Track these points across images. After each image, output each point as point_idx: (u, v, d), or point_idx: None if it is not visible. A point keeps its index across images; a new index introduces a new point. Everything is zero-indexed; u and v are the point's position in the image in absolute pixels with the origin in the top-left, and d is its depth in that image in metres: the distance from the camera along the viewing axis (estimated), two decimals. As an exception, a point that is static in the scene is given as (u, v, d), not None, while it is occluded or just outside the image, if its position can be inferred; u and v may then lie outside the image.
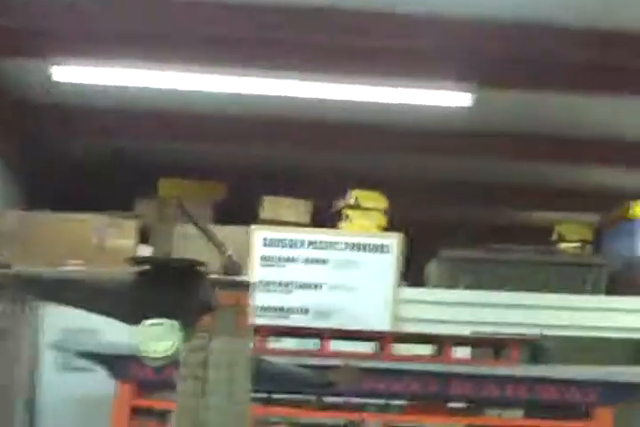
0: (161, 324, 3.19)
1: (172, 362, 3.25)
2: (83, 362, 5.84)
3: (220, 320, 3.24)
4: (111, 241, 7.13)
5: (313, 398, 5.58)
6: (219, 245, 3.37)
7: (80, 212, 7.27)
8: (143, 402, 5.40)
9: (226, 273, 3.35)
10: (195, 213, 7.32)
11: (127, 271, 3.32)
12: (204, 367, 3.21)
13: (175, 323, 3.21)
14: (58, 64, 6.32)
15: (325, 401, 5.62)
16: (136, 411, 5.42)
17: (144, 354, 3.20)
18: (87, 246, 6.98)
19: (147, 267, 3.29)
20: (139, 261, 3.31)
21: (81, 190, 8.14)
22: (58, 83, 6.58)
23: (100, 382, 5.70)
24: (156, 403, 5.31)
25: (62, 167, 8.39)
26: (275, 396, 5.55)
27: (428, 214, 9.14)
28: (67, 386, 6.57)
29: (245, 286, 3.34)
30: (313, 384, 3.90)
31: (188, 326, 3.24)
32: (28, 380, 6.69)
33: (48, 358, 6.62)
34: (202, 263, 3.27)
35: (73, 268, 4.25)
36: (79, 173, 8.42)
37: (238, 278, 3.35)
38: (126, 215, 7.35)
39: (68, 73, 6.43)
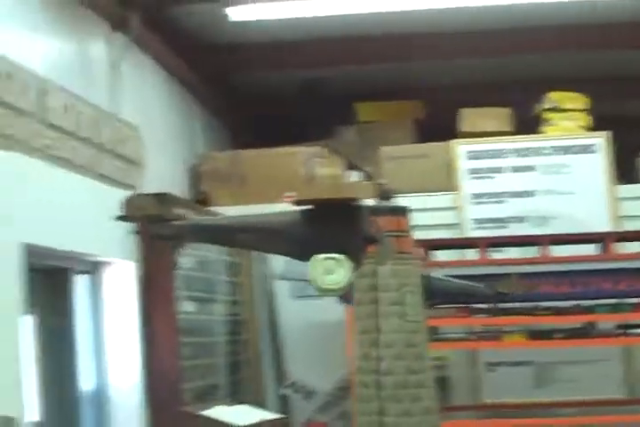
0: (331, 258, 3.36)
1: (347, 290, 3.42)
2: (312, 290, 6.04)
3: (382, 247, 3.38)
4: (320, 171, 7.27)
5: (544, 304, 5.64)
6: (369, 174, 3.47)
7: (285, 146, 7.44)
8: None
9: (381, 200, 3.48)
10: (396, 133, 7.54)
11: (293, 212, 3.48)
12: (376, 291, 3.36)
13: (343, 256, 3.37)
14: (231, 5, 6.42)
15: (557, 307, 5.66)
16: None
17: (318, 287, 3.40)
18: (297, 179, 7.11)
19: (310, 206, 3.45)
20: (302, 202, 3.45)
21: (280, 125, 8.30)
22: (236, 22, 6.68)
23: (331, 307, 5.89)
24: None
25: (260, 104, 8.57)
26: (504, 306, 5.64)
27: (629, 109, 8.89)
28: (302, 312, 6.79)
29: (402, 211, 3.47)
30: (482, 296, 4.00)
31: (356, 257, 3.40)
32: (268, 309, 7.00)
33: (282, 288, 6.87)
34: (357, 199, 3.41)
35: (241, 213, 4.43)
36: (276, 108, 8.57)
37: (394, 204, 3.47)
38: (331, 143, 7.46)
39: (244, 12, 6.51)
